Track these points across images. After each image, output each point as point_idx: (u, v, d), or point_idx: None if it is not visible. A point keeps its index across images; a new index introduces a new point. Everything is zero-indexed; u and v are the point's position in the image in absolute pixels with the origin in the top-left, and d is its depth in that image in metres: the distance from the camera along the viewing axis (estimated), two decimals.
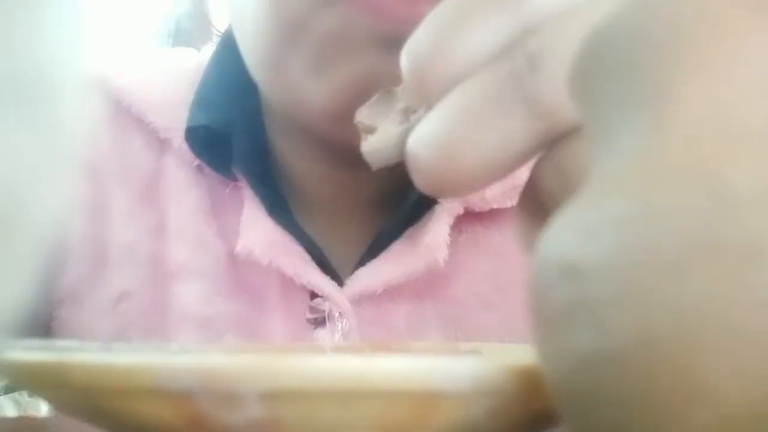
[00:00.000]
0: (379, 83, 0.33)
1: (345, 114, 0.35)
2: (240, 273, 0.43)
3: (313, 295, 0.43)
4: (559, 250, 0.14)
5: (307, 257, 0.43)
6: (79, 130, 0.14)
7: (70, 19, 0.14)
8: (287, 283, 0.42)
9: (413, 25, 0.31)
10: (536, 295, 0.15)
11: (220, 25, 0.54)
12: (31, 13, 0.13)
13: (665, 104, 0.13)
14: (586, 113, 0.16)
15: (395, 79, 0.34)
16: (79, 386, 0.17)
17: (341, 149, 0.38)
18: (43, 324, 0.45)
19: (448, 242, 0.42)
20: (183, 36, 0.50)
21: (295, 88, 0.38)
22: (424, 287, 0.43)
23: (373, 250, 0.44)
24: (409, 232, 0.43)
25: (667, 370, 0.12)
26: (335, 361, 0.16)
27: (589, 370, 0.13)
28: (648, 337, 0.12)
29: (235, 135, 0.44)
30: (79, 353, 0.18)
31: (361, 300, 0.42)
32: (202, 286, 0.43)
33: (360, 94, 0.34)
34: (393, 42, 0.33)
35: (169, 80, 0.48)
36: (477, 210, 0.44)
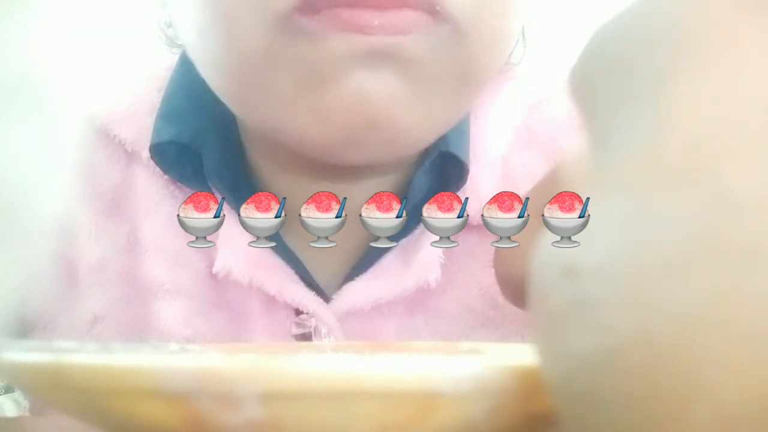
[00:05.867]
0: (373, 102, 0.31)
1: (341, 138, 0.34)
2: (220, 289, 0.41)
3: (299, 310, 0.41)
4: (559, 251, 0.14)
5: (290, 272, 0.41)
6: (74, 129, 0.14)
7: (57, 20, 0.14)
8: (270, 299, 0.40)
9: (387, 35, 0.29)
10: (536, 295, 0.14)
11: None
12: (17, 14, 0.13)
13: (665, 104, 0.13)
14: (586, 113, 0.16)
15: (389, 96, 0.32)
16: (79, 387, 0.17)
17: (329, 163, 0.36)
18: None
19: (442, 259, 0.40)
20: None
21: (280, 116, 0.35)
22: (415, 302, 0.41)
23: (362, 264, 0.41)
24: (401, 243, 0.41)
25: (666, 370, 0.12)
26: (334, 361, 0.16)
27: (588, 370, 0.13)
28: (648, 337, 0.12)
29: (205, 146, 0.41)
30: (78, 354, 0.18)
31: (349, 316, 0.40)
32: (181, 305, 0.41)
33: (353, 115, 0.33)
34: (376, 56, 0.31)
35: (136, 87, 0.45)
36: (475, 223, 0.42)
